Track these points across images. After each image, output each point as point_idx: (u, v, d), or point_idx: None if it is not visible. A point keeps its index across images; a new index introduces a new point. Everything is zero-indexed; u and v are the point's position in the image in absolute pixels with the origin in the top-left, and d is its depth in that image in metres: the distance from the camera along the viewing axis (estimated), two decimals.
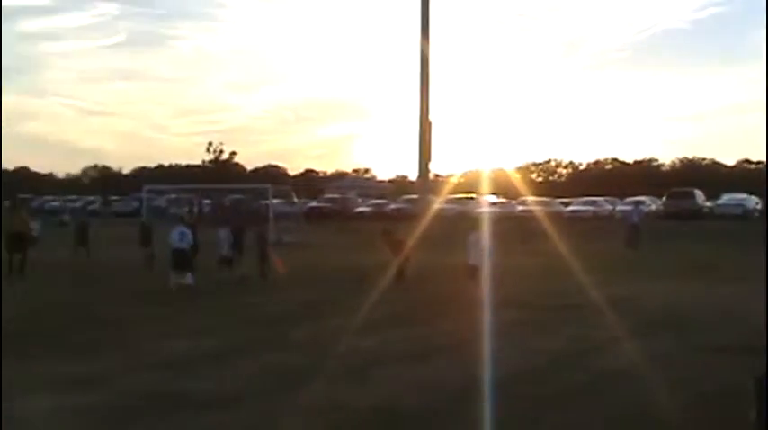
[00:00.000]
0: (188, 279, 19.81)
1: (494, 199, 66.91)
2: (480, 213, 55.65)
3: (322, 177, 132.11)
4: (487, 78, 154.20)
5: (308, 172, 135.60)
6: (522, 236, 35.98)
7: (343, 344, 12.79)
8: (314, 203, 73.11)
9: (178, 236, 20.18)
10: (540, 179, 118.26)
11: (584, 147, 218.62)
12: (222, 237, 21.81)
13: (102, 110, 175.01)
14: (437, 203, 45.64)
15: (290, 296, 19.02)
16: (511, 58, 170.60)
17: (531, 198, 66.80)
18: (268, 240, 23.70)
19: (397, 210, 62.52)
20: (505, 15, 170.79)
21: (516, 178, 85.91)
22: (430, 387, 10.15)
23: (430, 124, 25.50)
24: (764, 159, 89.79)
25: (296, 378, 10.60)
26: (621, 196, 68.89)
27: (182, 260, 19.95)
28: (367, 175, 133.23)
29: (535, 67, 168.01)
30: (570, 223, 48.66)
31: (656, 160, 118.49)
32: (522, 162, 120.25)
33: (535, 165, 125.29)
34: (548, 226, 36.63)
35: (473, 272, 17.99)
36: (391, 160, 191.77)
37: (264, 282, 21.40)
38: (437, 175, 76.89)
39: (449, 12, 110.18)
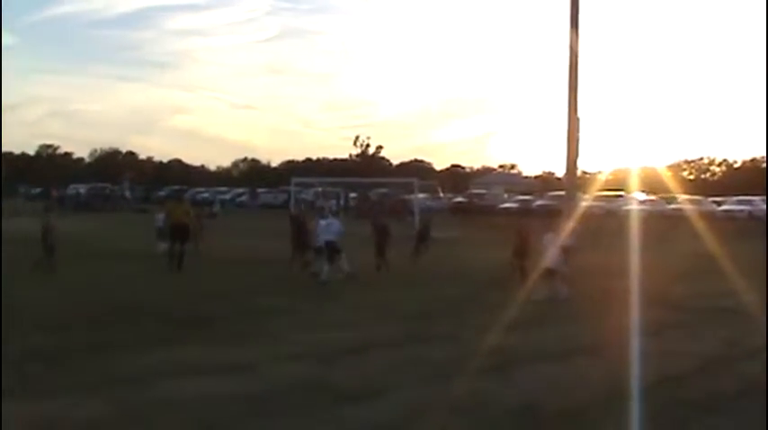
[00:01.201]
0: (325, 272, 19.96)
1: (643, 197, 65.42)
2: (627, 211, 54.54)
3: (468, 172, 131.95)
4: (637, 73, 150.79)
5: (454, 167, 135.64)
6: (670, 235, 35.04)
7: (486, 340, 12.71)
8: (459, 198, 73.11)
9: (326, 227, 20.44)
10: (691, 177, 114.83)
11: (740, 145, 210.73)
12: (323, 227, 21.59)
13: (251, 104, 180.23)
14: (584, 201, 44.85)
15: (432, 291, 19.04)
16: (660, 50, 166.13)
17: (681, 196, 65.00)
18: (388, 234, 23.26)
19: (543, 206, 61.85)
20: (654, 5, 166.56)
21: (667, 176, 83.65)
22: (576, 387, 9.98)
23: (578, 120, 25.05)
24: None
25: (439, 373, 10.62)
26: None
27: (331, 251, 20.16)
28: (513, 171, 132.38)
29: (686, 60, 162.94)
30: (723, 223, 47.09)
31: None
32: (674, 160, 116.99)
33: (687, 162, 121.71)
34: (699, 225, 35.55)
35: (549, 274, 17.47)
36: (537, 156, 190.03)
37: (378, 275, 21.30)
38: (584, 172, 75.54)
39: (597, 3, 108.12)
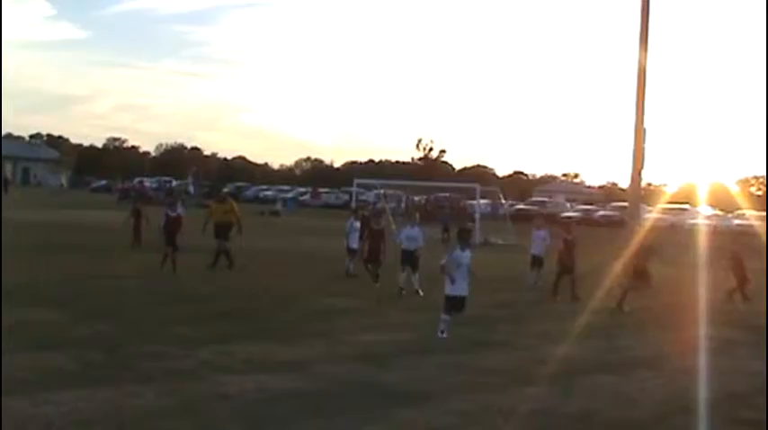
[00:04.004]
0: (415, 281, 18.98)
1: (709, 211, 64.40)
2: (692, 225, 53.75)
3: (530, 179, 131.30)
4: (709, 88, 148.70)
5: (517, 173, 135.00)
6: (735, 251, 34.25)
7: (543, 349, 12.59)
8: (521, 205, 72.61)
9: (405, 236, 19.52)
10: (759, 193, 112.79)
11: None
12: (353, 228, 21.62)
13: (315, 103, 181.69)
14: (647, 212, 44.30)
15: (491, 298, 18.79)
16: (731, 65, 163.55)
17: (749, 212, 63.80)
18: (381, 233, 20.73)
19: (606, 216, 61.23)
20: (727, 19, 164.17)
21: (735, 191, 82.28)
22: (636, 399, 9.82)
23: (644, 130, 24.79)
24: None
25: (493, 379, 10.51)
26: None
27: (410, 260, 19.10)
28: (576, 180, 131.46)
29: (757, 75, 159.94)
30: None
31: None
32: (743, 175, 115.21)
33: (756, 178, 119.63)
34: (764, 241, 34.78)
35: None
36: (601, 166, 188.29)
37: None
38: (649, 184, 74.75)
39: (667, 16, 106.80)
